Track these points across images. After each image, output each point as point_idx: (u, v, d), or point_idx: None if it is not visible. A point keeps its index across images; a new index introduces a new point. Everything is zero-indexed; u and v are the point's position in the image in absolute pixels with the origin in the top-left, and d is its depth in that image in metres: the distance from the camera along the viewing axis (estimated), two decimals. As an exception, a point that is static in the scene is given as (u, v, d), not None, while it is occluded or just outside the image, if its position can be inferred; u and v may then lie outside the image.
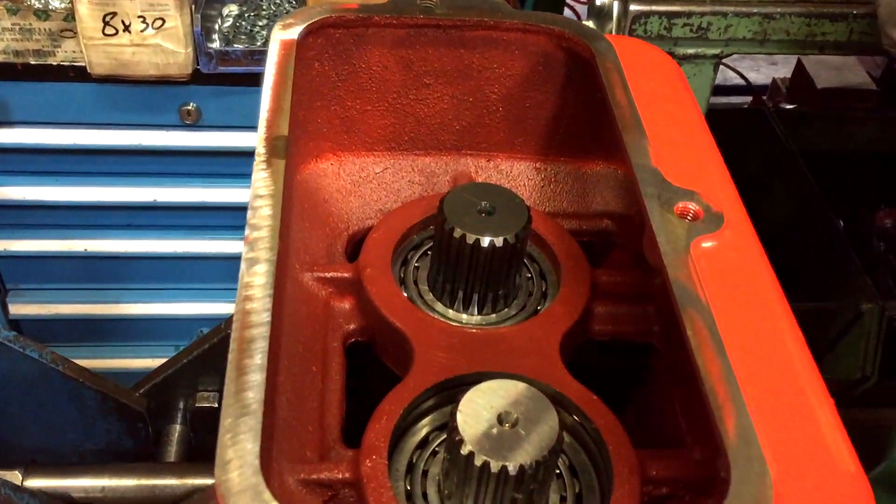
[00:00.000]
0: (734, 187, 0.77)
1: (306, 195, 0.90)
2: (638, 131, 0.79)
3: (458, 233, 0.77)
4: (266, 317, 0.61)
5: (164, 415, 1.14)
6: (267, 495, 0.52)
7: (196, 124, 1.85)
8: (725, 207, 0.73)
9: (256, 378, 0.58)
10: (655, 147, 0.77)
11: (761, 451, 0.56)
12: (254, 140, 0.76)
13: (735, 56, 1.89)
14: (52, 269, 2.08)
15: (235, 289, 0.64)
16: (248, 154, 0.76)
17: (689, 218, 0.72)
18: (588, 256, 0.86)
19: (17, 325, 2.15)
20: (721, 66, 1.88)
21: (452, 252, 0.78)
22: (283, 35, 0.85)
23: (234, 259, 0.67)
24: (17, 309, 2.12)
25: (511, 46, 0.92)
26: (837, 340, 2.11)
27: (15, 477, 0.98)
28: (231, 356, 0.59)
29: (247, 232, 0.67)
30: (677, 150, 0.79)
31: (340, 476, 0.67)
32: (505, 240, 0.77)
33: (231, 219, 2.00)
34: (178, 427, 1.14)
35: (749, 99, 2.94)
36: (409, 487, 0.69)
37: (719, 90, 3.08)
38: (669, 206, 0.72)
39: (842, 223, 2.24)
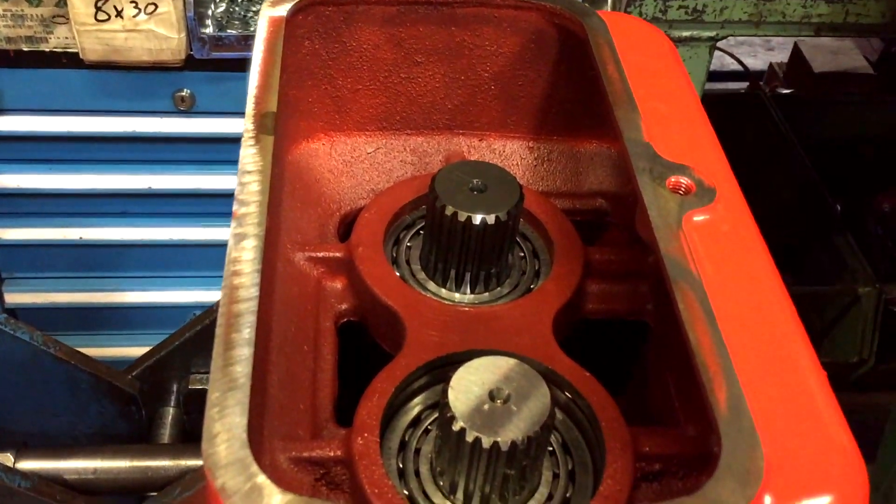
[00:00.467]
0: (727, 162, 0.76)
1: (298, 175, 0.89)
2: (630, 106, 0.79)
3: (449, 210, 0.76)
4: (254, 291, 0.61)
5: (157, 397, 1.14)
6: (255, 468, 0.52)
7: (190, 111, 1.83)
8: (718, 182, 0.73)
9: (244, 352, 0.57)
10: (647, 122, 0.77)
11: (753, 423, 0.56)
12: (248, 126, 0.75)
13: (732, 41, 1.89)
14: (48, 257, 2.07)
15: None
16: (244, 140, 0.75)
17: (681, 192, 0.72)
18: (581, 235, 0.85)
19: (13, 313, 2.14)
20: (718, 52, 1.87)
21: (444, 230, 0.78)
22: (272, 12, 0.84)
23: (230, 247, 0.66)
24: (12, 298, 2.11)
25: (503, 23, 0.91)
26: (835, 324, 2.11)
27: (7, 459, 0.97)
28: (218, 331, 0.58)
29: (235, 207, 0.67)
30: (670, 125, 0.79)
31: (332, 454, 0.66)
32: (497, 217, 0.76)
33: (226, 206, 1.95)
34: (171, 409, 1.13)
35: (746, 84, 2.93)
36: (401, 465, 0.68)
37: (716, 76, 3.07)
38: (661, 180, 0.72)
39: (839, 207, 2.24)
